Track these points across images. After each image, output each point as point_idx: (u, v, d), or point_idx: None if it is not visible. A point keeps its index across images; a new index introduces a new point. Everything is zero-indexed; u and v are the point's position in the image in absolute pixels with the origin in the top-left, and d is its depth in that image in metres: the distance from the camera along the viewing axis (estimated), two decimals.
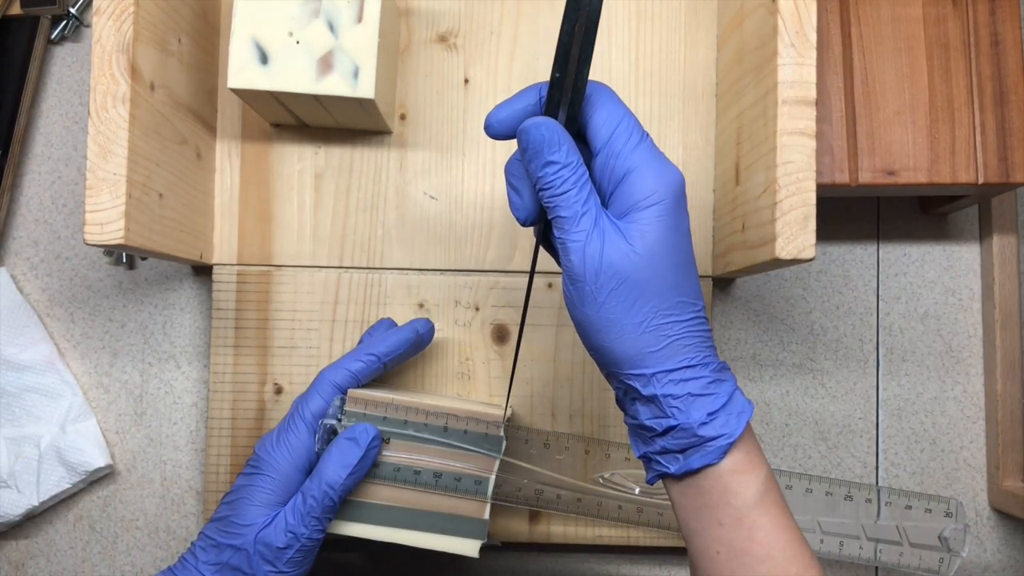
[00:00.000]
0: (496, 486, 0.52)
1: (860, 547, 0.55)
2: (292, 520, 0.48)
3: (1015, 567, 0.63)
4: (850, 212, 0.64)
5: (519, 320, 0.59)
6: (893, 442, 0.63)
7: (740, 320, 0.63)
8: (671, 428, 0.39)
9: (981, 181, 0.55)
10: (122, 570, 0.62)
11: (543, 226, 0.42)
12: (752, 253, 0.51)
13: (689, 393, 0.39)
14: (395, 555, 0.62)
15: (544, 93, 0.40)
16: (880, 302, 0.64)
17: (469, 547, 0.52)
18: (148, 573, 0.61)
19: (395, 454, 0.51)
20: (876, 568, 0.63)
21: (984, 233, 0.64)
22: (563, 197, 0.38)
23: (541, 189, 0.39)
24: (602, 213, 0.39)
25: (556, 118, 0.39)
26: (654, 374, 0.39)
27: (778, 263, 0.48)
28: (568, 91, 0.39)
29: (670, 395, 0.39)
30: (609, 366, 0.40)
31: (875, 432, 0.63)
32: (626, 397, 0.41)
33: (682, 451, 0.39)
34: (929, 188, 0.57)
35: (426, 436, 0.52)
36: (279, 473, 0.49)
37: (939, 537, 0.55)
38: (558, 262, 0.41)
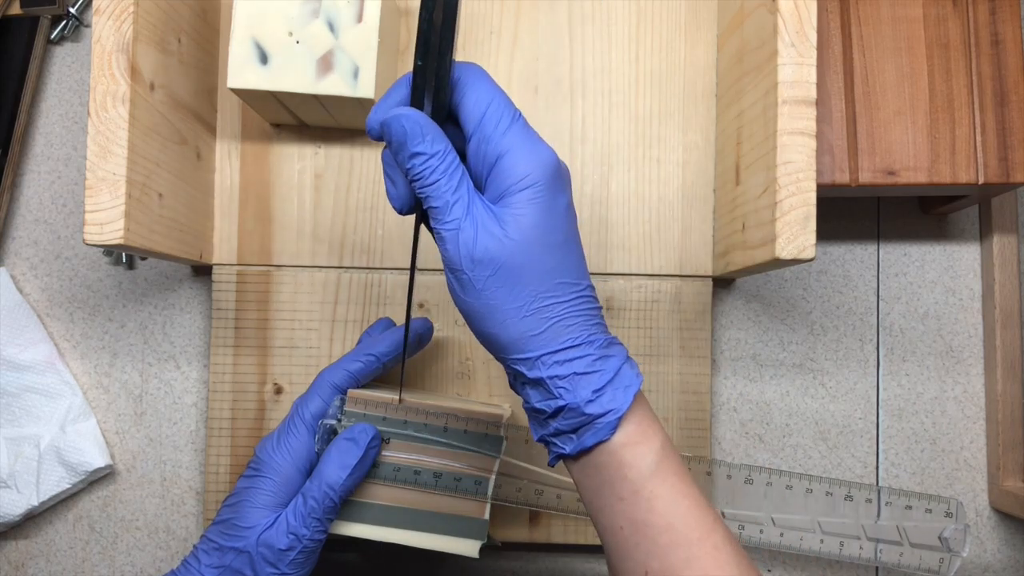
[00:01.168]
0: (496, 486, 0.52)
1: (860, 547, 0.55)
2: (294, 521, 0.48)
3: (1015, 567, 0.63)
4: (850, 212, 0.64)
5: None
6: (893, 442, 0.63)
7: (740, 320, 0.63)
8: (560, 409, 0.39)
9: (981, 181, 0.55)
10: (122, 570, 0.61)
11: (420, 214, 0.42)
12: (752, 253, 0.51)
13: (574, 372, 0.39)
14: (395, 555, 0.62)
15: None
16: (880, 302, 0.64)
17: (469, 547, 0.52)
18: (148, 573, 0.61)
19: (395, 454, 0.51)
20: (876, 568, 0.63)
21: (984, 233, 0.64)
22: (433, 187, 0.38)
23: (412, 180, 0.39)
24: (476, 199, 0.38)
25: (422, 107, 0.39)
26: (538, 357, 0.39)
27: (778, 263, 0.48)
28: (431, 79, 0.38)
29: (556, 376, 0.39)
30: (496, 352, 0.40)
31: (875, 432, 0.63)
32: (516, 382, 0.41)
33: (574, 431, 0.39)
34: (929, 188, 0.57)
35: (426, 436, 0.52)
36: (280, 475, 0.49)
37: (939, 537, 0.55)
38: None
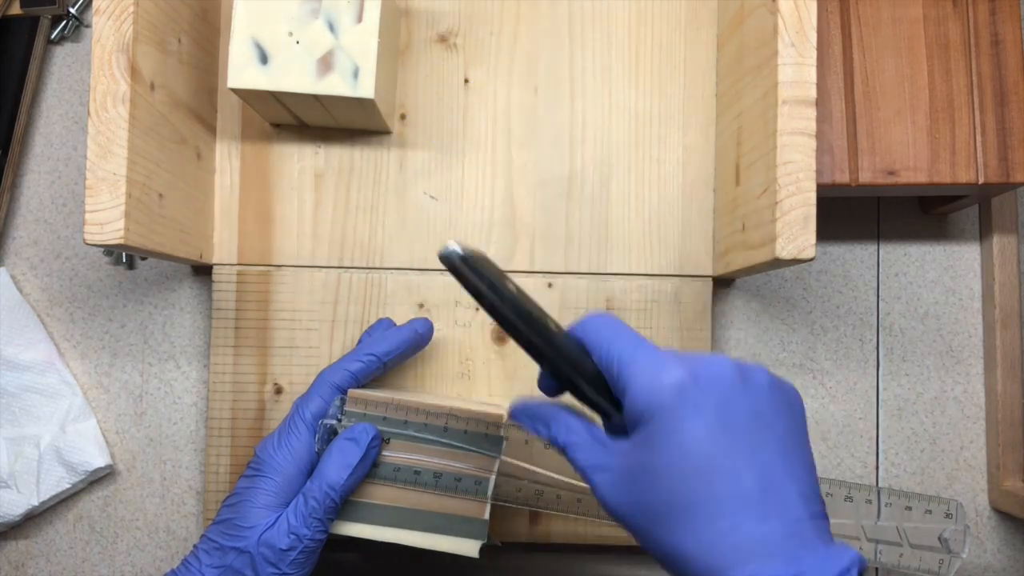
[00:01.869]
0: (496, 486, 0.52)
1: (860, 548, 0.55)
2: (294, 521, 0.48)
3: (1015, 567, 0.63)
4: (850, 212, 0.64)
5: None
6: (893, 442, 0.63)
7: (740, 320, 0.63)
8: None
9: (981, 181, 0.55)
10: (122, 570, 0.61)
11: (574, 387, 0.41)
12: (752, 253, 0.51)
13: None
14: (395, 555, 0.62)
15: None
16: (880, 302, 0.64)
17: (469, 547, 0.52)
18: (148, 573, 0.61)
19: (395, 454, 0.51)
20: (876, 569, 0.63)
21: (984, 233, 0.64)
22: (563, 452, 0.39)
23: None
24: (600, 438, 0.39)
25: (573, 390, 0.40)
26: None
27: (778, 263, 0.48)
28: (548, 365, 0.40)
29: None
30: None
31: (875, 432, 0.63)
32: None
33: None
34: (929, 188, 0.57)
35: (426, 436, 0.52)
36: (280, 475, 0.49)
37: (939, 538, 0.55)
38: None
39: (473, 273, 0.37)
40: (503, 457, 0.52)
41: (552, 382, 0.41)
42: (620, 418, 0.38)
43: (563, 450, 0.39)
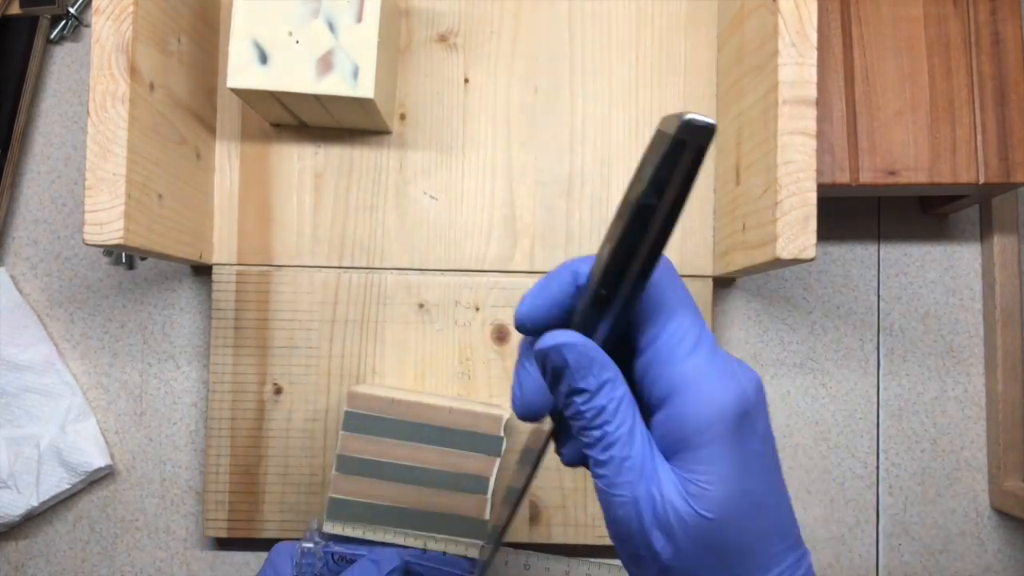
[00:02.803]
0: (494, 486, 0.52)
1: None
2: None
3: (1016, 567, 0.63)
4: (850, 212, 0.64)
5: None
6: (893, 442, 0.63)
7: (740, 320, 0.63)
8: None
9: (982, 181, 0.55)
10: (122, 570, 0.61)
11: (552, 431, 0.33)
12: (753, 253, 0.51)
13: None
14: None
15: (580, 281, 0.31)
16: (881, 302, 0.64)
17: (468, 548, 0.52)
18: (148, 573, 0.61)
19: (395, 454, 0.51)
20: (876, 569, 0.63)
21: (985, 233, 0.64)
22: (596, 433, 0.30)
23: (568, 417, 0.31)
24: (653, 454, 0.30)
25: (594, 335, 0.30)
26: None
27: (779, 263, 0.48)
28: (614, 310, 0.30)
29: None
30: None
31: (875, 432, 0.63)
32: None
33: None
34: (930, 188, 0.57)
35: (426, 436, 0.52)
36: None
37: None
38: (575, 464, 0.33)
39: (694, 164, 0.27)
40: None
41: (557, 309, 0.31)
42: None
43: (597, 430, 0.30)
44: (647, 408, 0.31)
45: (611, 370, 0.30)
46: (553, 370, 0.30)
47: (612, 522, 0.30)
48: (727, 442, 0.29)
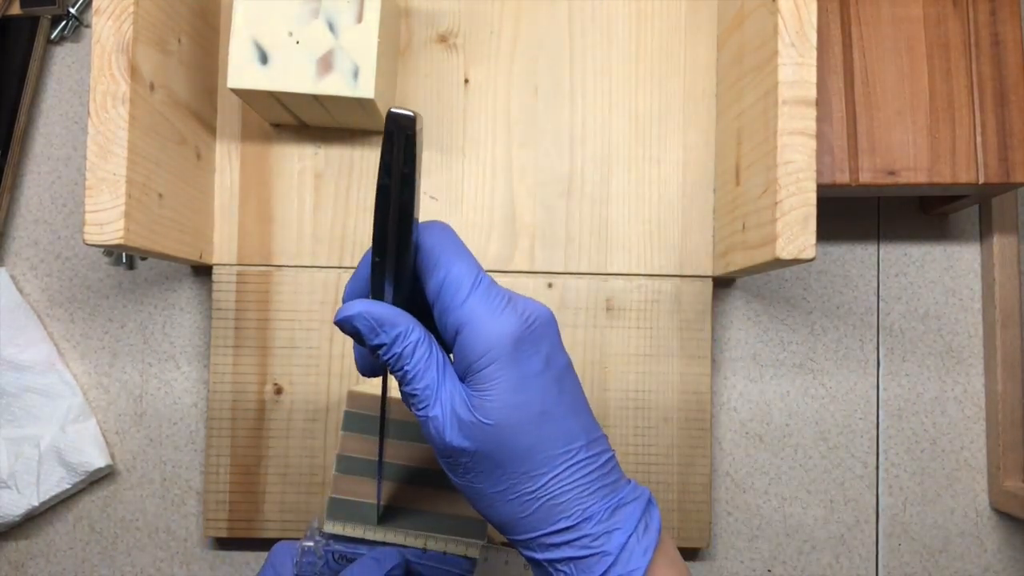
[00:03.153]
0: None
1: None
2: None
3: (1015, 567, 0.63)
4: (850, 212, 0.64)
5: None
6: (893, 442, 0.63)
7: (740, 320, 0.63)
8: None
9: (982, 181, 0.55)
10: (122, 570, 0.61)
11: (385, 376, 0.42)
12: (753, 253, 0.51)
13: (568, 557, 0.36)
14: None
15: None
16: (880, 302, 0.64)
17: (469, 548, 0.52)
18: (148, 573, 0.61)
19: (395, 454, 0.51)
20: (876, 568, 0.63)
21: (984, 233, 0.64)
22: (401, 374, 0.37)
23: (381, 365, 0.38)
24: (447, 382, 0.37)
25: (382, 295, 0.38)
26: (532, 539, 0.37)
27: (779, 263, 0.48)
28: (391, 271, 0.37)
29: (552, 560, 0.36)
30: (498, 531, 0.38)
31: (875, 432, 0.63)
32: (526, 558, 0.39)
33: None
34: (929, 188, 0.57)
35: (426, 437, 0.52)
36: None
37: None
38: None
39: (409, 146, 0.35)
40: None
41: (365, 285, 0.38)
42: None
43: (400, 371, 0.37)
44: (449, 344, 0.37)
45: (402, 322, 0.37)
46: (352, 335, 0.37)
47: (427, 438, 0.37)
48: (503, 364, 0.35)
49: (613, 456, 0.38)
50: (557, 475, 0.36)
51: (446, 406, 0.36)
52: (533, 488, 0.36)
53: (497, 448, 0.36)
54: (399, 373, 0.37)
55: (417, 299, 0.38)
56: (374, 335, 0.37)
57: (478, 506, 0.38)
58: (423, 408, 0.37)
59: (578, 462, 0.37)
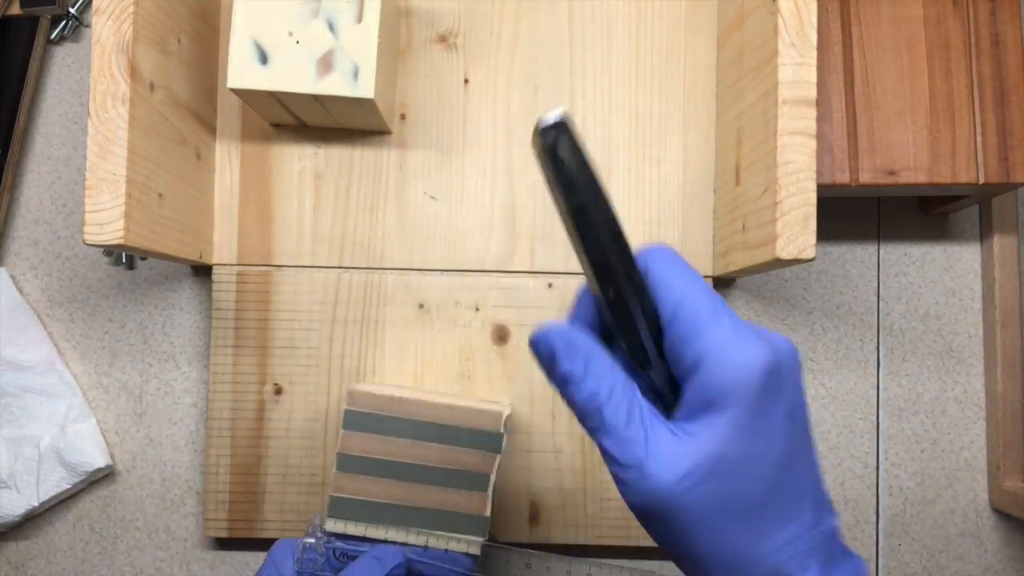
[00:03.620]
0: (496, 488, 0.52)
1: None
2: None
3: (1015, 567, 0.63)
4: (850, 212, 0.64)
5: (519, 320, 0.59)
6: (893, 442, 0.63)
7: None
8: None
9: (982, 181, 0.55)
10: (122, 570, 0.61)
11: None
12: (753, 253, 0.51)
13: None
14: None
15: (588, 303, 0.33)
16: (880, 302, 0.64)
17: (470, 545, 0.52)
18: (148, 573, 0.61)
19: (396, 452, 0.51)
20: (876, 567, 0.63)
21: (985, 233, 0.64)
22: (593, 417, 0.31)
23: (568, 404, 0.32)
24: (646, 432, 0.31)
25: (637, 334, 0.32)
26: None
27: (779, 263, 0.48)
28: (632, 304, 0.32)
29: None
30: None
31: (875, 432, 0.63)
32: None
33: None
34: (929, 188, 0.57)
35: (426, 434, 0.52)
36: None
37: None
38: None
39: (574, 158, 0.30)
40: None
41: (596, 318, 0.33)
42: (663, 387, 0.32)
43: (594, 410, 0.31)
44: (681, 377, 0.32)
45: (600, 358, 0.31)
46: (543, 363, 0.32)
47: (624, 494, 0.31)
48: (745, 410, 0.30)
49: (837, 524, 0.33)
50: (787, 541, 0.31)
51: (654, 456, 0.30)
52: (759, 552, 0.31)
53: (722, 506, 0.30)
54: (590, 418, 0.31)
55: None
56: (569, 360, 0.31)
57: (675, 562, 0.33)
58: (620, 467, 0.30)
59: (808, 521, 0.31)
